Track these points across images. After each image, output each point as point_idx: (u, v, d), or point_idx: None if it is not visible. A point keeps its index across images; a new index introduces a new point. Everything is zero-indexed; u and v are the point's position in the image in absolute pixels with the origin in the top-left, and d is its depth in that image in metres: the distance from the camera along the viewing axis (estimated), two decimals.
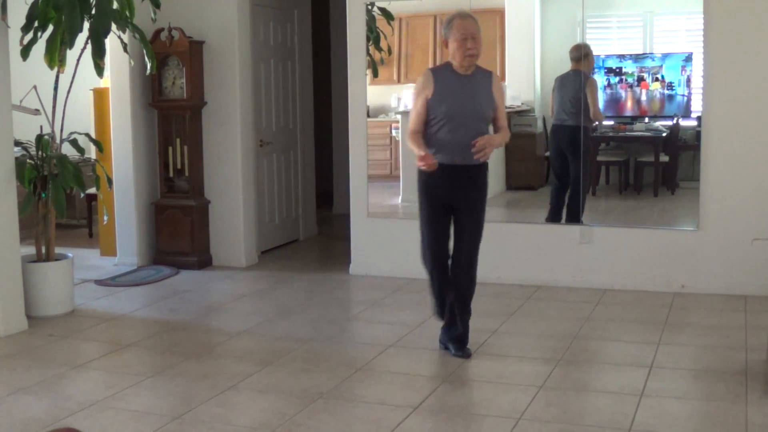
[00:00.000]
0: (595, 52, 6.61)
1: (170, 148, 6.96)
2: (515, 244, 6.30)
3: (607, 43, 7.03)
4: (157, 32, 6.82)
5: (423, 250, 4.72)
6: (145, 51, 5.79)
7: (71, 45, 5.29)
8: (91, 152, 7.09)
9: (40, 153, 5.62)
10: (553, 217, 6.58)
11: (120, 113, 6.98)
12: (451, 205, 4.61)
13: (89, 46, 5.45)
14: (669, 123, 6.81)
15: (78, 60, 5.85)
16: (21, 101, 6.39)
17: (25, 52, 5.33)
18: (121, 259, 7.11)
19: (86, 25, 5.41)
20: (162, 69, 6.87)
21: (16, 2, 5.43)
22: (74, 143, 5.74)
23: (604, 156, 7.03)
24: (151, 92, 6.98)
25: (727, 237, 5.86)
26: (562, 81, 6.65)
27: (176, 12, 6.87)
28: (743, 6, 5.63)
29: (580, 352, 4.76)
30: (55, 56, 5.38)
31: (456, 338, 4.71)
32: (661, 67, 6.71)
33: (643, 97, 6.84)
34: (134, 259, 7.07)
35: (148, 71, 5.98)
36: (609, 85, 6.84)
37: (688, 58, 6.60)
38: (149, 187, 7.15)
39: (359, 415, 3.92)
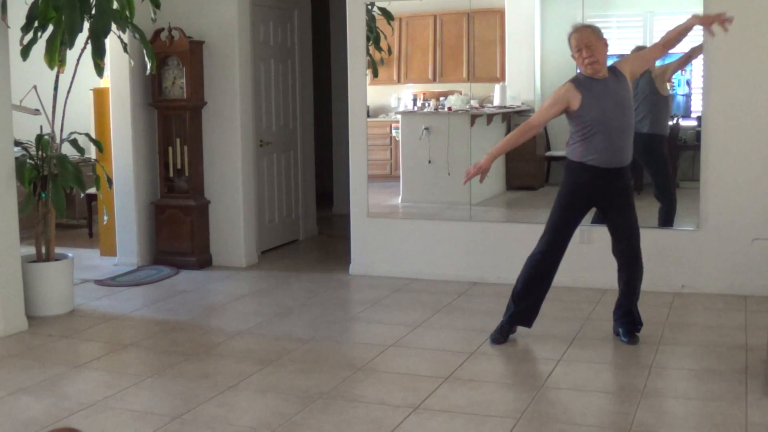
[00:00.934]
0: None
1: (170, 148, 6.96)
2: (515, 244, 6.28)
3: None
4: (157, 32, 6.82)
5: (543, 252, 4.84)
6: (145, 51, 5.79)
7: (71, 45, 5.29)
8: (91, 152, 7.10)
9: (40, 153, 5.62)
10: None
11: (120, 113, 6.98)
12: (601, 207, 4.86)
13: (89, 46, 5.45)
14: (669, 123, 6.80)
15: (78, 60, 5.85)
16: (21, 101, 6.39)
17: (25, 52, 5.33)
18: (121, 259, 7.11)
19: (86, 25, 5.41)
20: (162, 69, 6.87)
21: (16, 2, 5.43)
22: (74, 143, 5.74)
23: None
24: (151, 92, 6.98)
25: (727, 237, 5.86)
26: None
27: (176, 12, 6.87)
28: (743, 6, 5.63)
29: (580, 352, 4.75)
30: (55, 56, 5.38)
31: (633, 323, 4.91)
32: None
33: None
34: (134, 259, 7.07)
35: (148, 71, 5.98)
36: None
37: None
38: (149, 187, 7.15)
39: (359, 415, 3.92)
